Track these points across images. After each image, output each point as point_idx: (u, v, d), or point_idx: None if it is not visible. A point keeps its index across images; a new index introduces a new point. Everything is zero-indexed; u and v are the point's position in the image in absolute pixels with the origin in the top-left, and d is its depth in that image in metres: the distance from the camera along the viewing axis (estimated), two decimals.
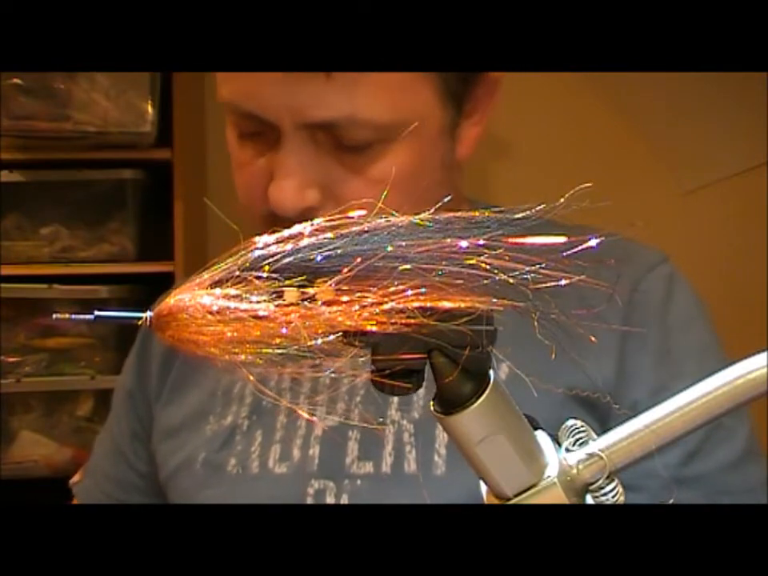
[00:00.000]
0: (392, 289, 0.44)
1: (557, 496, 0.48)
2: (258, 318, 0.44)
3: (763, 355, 0.47)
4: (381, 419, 0.86)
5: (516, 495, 0.48)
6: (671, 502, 0.76)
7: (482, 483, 0.50)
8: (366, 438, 0.86)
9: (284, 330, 0.44)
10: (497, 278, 0.45)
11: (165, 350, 1.00)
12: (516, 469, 0.48)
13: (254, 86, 0.80)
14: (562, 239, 0.45)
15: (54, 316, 0.53)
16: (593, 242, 0.46)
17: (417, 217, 0.46)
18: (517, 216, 0.47)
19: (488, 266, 0.45)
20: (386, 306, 0.44)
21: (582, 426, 0.50)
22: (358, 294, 0.44)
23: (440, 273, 0.44)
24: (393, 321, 0.44)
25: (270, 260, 0.45)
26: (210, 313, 0.45)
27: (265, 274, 0.45)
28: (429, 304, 0.44)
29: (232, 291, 0.45)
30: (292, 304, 0.45)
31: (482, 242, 0.45)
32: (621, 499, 0.48)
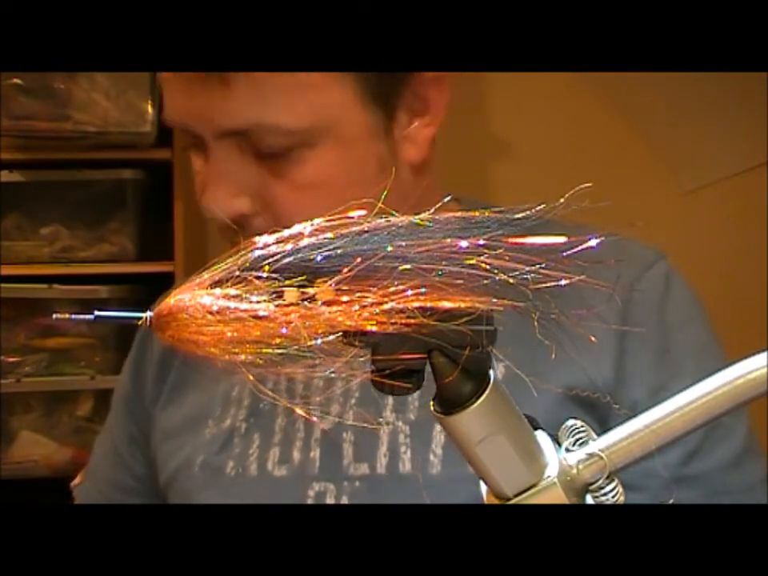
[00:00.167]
0: (392, 289, 0.44)
1: (557, 496, 0.48)
2: (257, 317, 0.44)
3: (763, 355, 0.47)
4: (381, 420, 0.86)
5: (516, 495, 0.48)
6: (671, 501, 0.76)
7: (481, 483, 0.50)
8: (360, 440, 0.86)
9: (284, 330, 0.44)
10: (497, 278, 0.45)
11: (162, 353, 1.00)
12: (516, 469, 0.48)
13: (179, 100, 0.82)
14: (562, 239, 0.45)
15: (54, 316, 0.53)
16: (593, 242, 0.46)
17: (417, 217, 0.46)
18: (517, 216, 0.47)
19: (488, 266, 0.45)
20: (385, 306, 0.44)
21: (582, 426, 0.50)
22: (358, 294, 0.44)
23: (440, 273, 0.44)
24: (393, 321, 0.44)
25: (270, 260, 0.45)
26: (210, 313, 0.45)
27: (265, 274, 0.45)
28: (429, 304, 0.44)
29: (232, 291, 0.45)
30: (292, 304, 0.45)
31: (482, 242, 0.45)
32: (621, 499, 0.48)
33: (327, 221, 0.46)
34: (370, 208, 0.48)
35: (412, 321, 0.44)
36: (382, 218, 0.46)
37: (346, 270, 0.44)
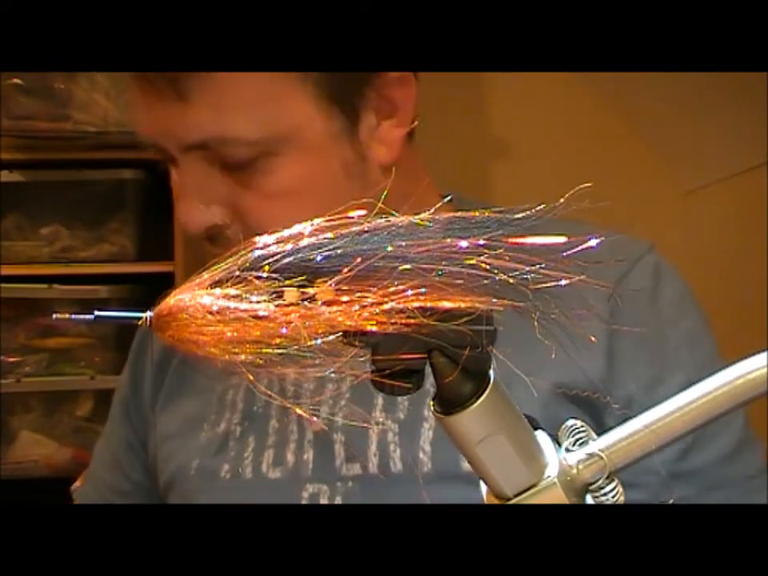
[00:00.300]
0: (392, 289, 0.44)
1: (557, 496, 0.48)
2: (257, 317, 0.44)
3: (763, 355, 0.47)
4: (381, 420, 0.86)
5: (516, 495, 0.48)
6: (671, 501, 0.76)
7: (481, 483, 0.50)
8: (351, 440, 0.86)
9: (284, 330, 0.44)
10: (497, 278, 0.45)
11: (159, 356, 1.01)
12: (516, 469, 0.48)
13: (144, 117, 0.83)
14: (561, 239, 0.45)
15: (54, 316, 0.53)
16: (593, 242, 0.46)
17: (417, 217, 0.46)
18: (517, 216, 0.47)
19: (488, 266, 0.45)
20: (386, 306, 0.44)
21: (582, 426, 0.50)
22: (358, 294, 0.44)
23: (440, 273, 0.44)
24: (393, 321, 0.44)
25: (270, 260, 0.45)
26: (210, 313, 0.45)
27: (265, 274, 0.45)
28: (429, 304, 0.44)
29: (232, 291, 0.45)
30: (292, 304, 0.45)
31: (482, 242, 0.45)
32: (621, 499, 0.48)
33: (327, 221, 0.46)
34: (369, 208, 0.48)
35: (412, 321, 0.44)
36: (381, 217, 0.46)
37: (346, 270, 0.44)
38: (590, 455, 0.49)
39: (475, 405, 0.46)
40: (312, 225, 0.46)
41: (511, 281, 0.45)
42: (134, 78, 0.81)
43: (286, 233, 0.46)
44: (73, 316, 0.50)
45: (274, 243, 0.46)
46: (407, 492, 0.81)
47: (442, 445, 0.83)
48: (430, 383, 0.47)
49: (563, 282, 0.45)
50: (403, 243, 0.45)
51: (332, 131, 0.83)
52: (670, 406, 0.49)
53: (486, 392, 0.46)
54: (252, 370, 0.45)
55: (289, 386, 0.88)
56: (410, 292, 0.44)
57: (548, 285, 0.45)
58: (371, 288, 0.44)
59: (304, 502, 0.86)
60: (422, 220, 0.46)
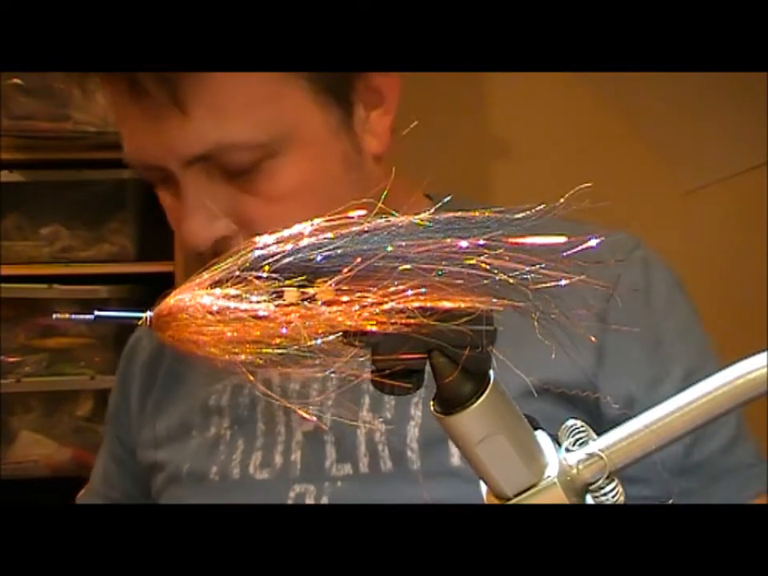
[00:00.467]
0: (392, 289, 0.44)
1: (557, 496, 0.48)
2: (258, 317, 0.44)
3: (763, 355, 0.47)
4: (381, 420, 0.86)
5: (516, 495, 0.48)
6: (671, 501, 0.76)
7: (481, 483, 0.50)
8: (340, 441, 0.87)
9: (284, 330, 0.44)
10: (497, 278, 0.45)
11: (146, 366, 1.02)
12: (516, 469, 0.48)
13: (140, 138, 0.82)
14: (562, 239, 0.45)
15: (54, 316, 0.53)
16: (593, 242, 0.46)
17: (417, 217, 0.46)
18: (517, 216, 0.47)
19: (488, 266, 0.45)
20: (386, 306, 0.44)
21: (582, 426, 0.50)
22: (358, 294, 0.44)
23: (440, 273, 0.44)
24: (393, 321, 0.44)
25: (270, 260, 0.45)
26: (210, 313, 0.45)
27: (265, 274, 0.45)
28: (429, 304, 0.44)
29: (232, 291, 0.45)
30: (292, 304, 0.45)
31: (482, 242, 0.45)
32: (621, 499, 0.48)
33: (327, 221, 0.46)
34: (369, 208, 0.48)
35: (412, 321, 0.44)
36: (381, 218, 0.46)
37: (346, 270, 0.44)
38: (590, 455, 0.49)
39: (475, 405, 0.46)
40: (312, 225, 0.46)
41: (511, 281, 0.45)
42: (127, 101, 0.80)
43: (285, 233, 0.46)
44: (73, 316, 0.50)
45: (273, 243, 0.46)
46: (396, 491, 0.82)
47: (429, 442, 0.83)
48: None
49: (563, 282, 0.45)
50: (403, 243, 0.45)
51: (330, 124, 0.83)
52: (669, 406, 0.49)
53: (486, 392, 0.46)
54: (252, 369, 0.45)
55: (275, 387, 0.88)
56: (410, 292, 0.44)
57: (548, 285, 0.45)
58: (371, 288, 0.44)
59: (290, 502, 0.86)
60: (421, 220, 0.46)
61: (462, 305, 0.44)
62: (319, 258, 0.45)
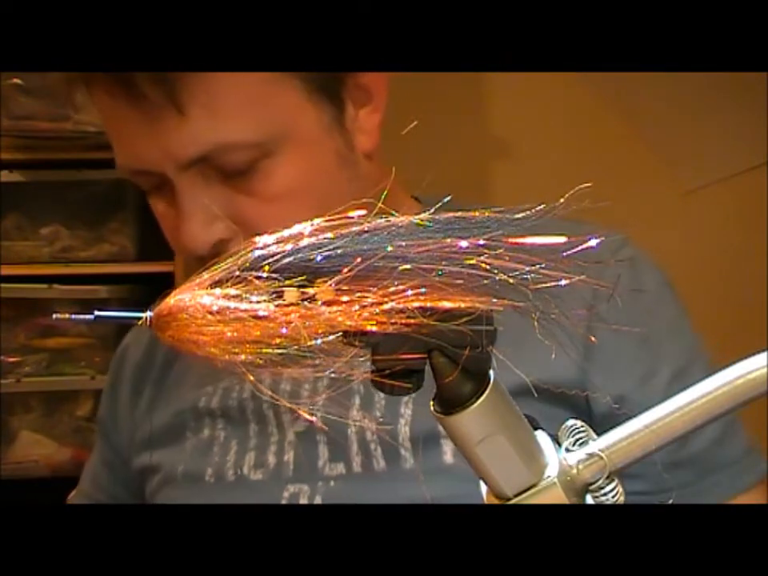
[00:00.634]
0: (392, 289, 0.44)
1: (557, 496, 0.48)
2: (258, 317, 0.44)
3: (763, 355, 0.47)
4: (381, 419, 0.86)
5: (516, 495, 0.48)
6: (671, 501, 0.76)
7: (481, 483, 0.50)
8: (333, 440, 0.87)
9: (284, 330, 0.44)
10: (497, 278, 0.45)
11: (136, 370, 1.03)
12: (516, 469, 0.48)
13: (134, 144, 0.83)
14: (562, 239, 0.45)
15: (54, 316, 0.53)
16: (593, 242, 0.46)
17: (417, 217, 0.46)
18: (517, 216, 0.47)
19: (488, 266, 0.45)
20: (386, 306, 0.44)
21: (582, 426, 0.50)
22: (358, 294, 0.44)
23: (440, 273, 0.44)
24: (393, 321, 0.44)
25: (270, 260, 0.45)
26: (210, 313, 0.45)
27: (265, 274, 0.45)
28: (429, 304, 0.44)
29: (232, 291, 0.45)
30: (292, 304, 0.45)
31: (482, 242, 0.45)
32: (621, 499, 0.48)
33: (327, 221, 0.46)
34: (369, 208, 0.48)
35: (412, 321, 0.44)
36: (381, 218, 0.46)
37: (346, 270, 0.44)
38: (590, 455, 0.49)
39: (475, 405, 0.46)
40: (312, 225, 0.46)
41: (511, 281, 0.45)
42: (122, 105, 0.80)
43: (286, 233, 0.46)
44: (73, 316, 0.50)
45: (273, 243, 0.46)
46: (390, 490, 0.82)
47: (421, 440, 0.83)
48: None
49: (563, 282, 0.45)
50: (403, 243, 0.45)
51: (323, 122, 0.83)
52: (669, 406, 0.48)
53: (486, 392, 0.46)
54: (252, 369, 0.45)
55: (267, 388, 0.88)
56: (410, 292, 0.44)
57: (548, 285, 0.45)
58: (371, 288, 0.44)
59: (284, 502, 0.86)
60: (421, 220, 0.46)
61: (462, 305, 0.44)
62: (319, 258, 0.45)
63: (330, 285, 0.44)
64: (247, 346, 0.44)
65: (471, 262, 0.45)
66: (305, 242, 0.46)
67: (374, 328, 0.44)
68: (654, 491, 0.80)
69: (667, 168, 2.07)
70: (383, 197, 0.49)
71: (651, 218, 1.99)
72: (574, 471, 0.49)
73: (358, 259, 0.45)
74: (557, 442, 0.50)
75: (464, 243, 0.45)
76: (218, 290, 0.45)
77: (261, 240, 0.46)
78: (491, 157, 2.08)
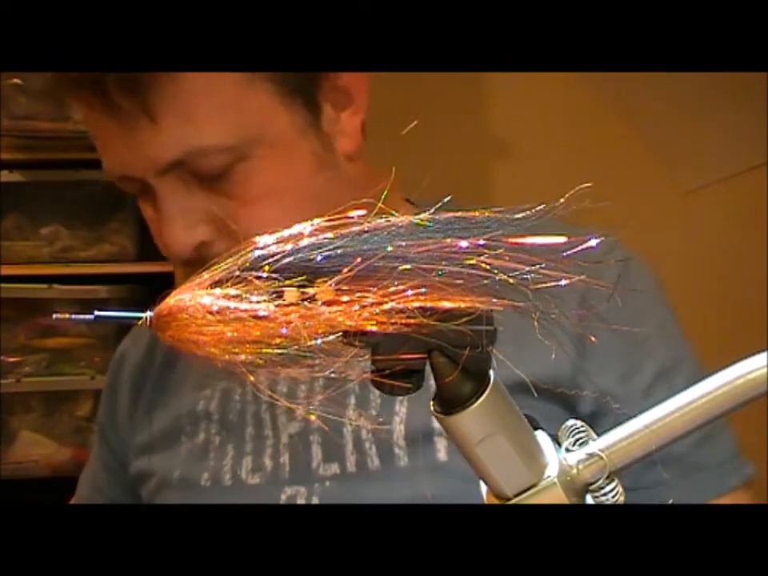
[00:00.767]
0: (392, 289, 0.44)
1: (557, 496, 0.48)
2: (258, 317, 0.44)
3: (763, 355, 0.47)
4: (380, 419, 0.86)
5: (516, 495, 0.48)
6: (671, 501, 0.76)
7: (481, 483, 0.50)
8: (327, 440, 0.87)
9: (284, 330, 0.44)
10: (497, 278, 0.45)
11: (134, 374, 1.02)
12: (516, 469, 0.48)
13: (113, 150, 0.83)
14: (562, 239, 0.45)
15: (54, 316, 0.53)
16: (593, 242, 0.46)
17: (417, 217, 0.46)
18: (517, 216, 0.47)
19: (488, 266, 0.45)
20: (386, 306, 0.44)
21: (582, 426, 0.50)
22: (358, 294, 0.44)
23: (440, 273, 0.44)
24: (393, 321, 0.44)
25: (270, 260, 0.45)
26: (210, 313, 0.45)
27: (265, 274, 0.45)
28: (429, 304, 0.44)
29: (232, 291, 0.45)
30: (292, 304, 0.45)
31: (482, 242, 0.45)
32: (621, 499, 0.48)
33: (327, 221, 0.46)
34: (369, 208, 0.48)
35: (412, 321, 0.44)
36: (382, 218, 0.46)
37: (346, 270, 0.44)
38: (590, 455, 0.49)
39: (475, 405, 0.46)
40: (312, 225, 0.46)
41: (511, 281, 0.45)
42: (99, 115, 0.81)
43: (285, 233, 0.46)
44: (73, 316, 0.50)
45: (273, 243, 0.46)
46: (385, 488, 0.83)
47: (415, 439, 0.84)
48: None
49: (563, 282, 0.45)
50: (403, 243, 0.45)
51: (297, 124, 0.84)
52: (669, 406, 0.49)
53: (486, 392, 0.46)
54: (252, 369, 0.45)
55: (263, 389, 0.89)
56: (410, 292, 0.44)
57: (548, 285, 0.45)
58: (371, 288, 0.44)
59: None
60: (421, 220, 0.46)
61: (462, 305, 0.44)
62: (319, 258, 0.45)
63: (330, 285, 0.45)
64: (247, 346, 0.45)
65: (471, 262, 0.45)
66: (305, 241, 0.46)
67: (374, 328, 0.44)
68: (633, 488, 0.80)
69: (667, 168, 2.07)
70: (384, 196, 0.49)
71: (651, 217, 1.99)
72: (574, 471, 0.49)
73: (358, 259, 0.45)
74: (557, 441, 0.50)
75: (464, 243, 0.45)
76: (218, 290, 0.45)
77: (261, 240, 0.46)
78: (491, 157, 2.08)
